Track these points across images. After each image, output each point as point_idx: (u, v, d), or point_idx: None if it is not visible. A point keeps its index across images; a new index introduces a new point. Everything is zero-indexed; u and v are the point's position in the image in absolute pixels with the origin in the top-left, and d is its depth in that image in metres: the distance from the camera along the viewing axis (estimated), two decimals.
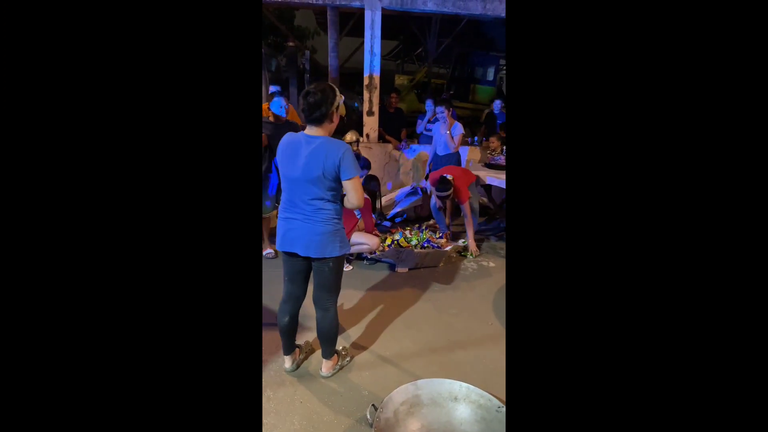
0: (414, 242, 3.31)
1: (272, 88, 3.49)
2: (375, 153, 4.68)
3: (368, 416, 1.66)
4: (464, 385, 1.75)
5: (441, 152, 3.88)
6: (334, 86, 1.69)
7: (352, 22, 7.28)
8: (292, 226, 1.75)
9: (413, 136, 4.99)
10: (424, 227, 3.68)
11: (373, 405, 1.69)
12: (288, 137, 1.74)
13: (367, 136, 4.66)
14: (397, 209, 4.37)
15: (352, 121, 5.13)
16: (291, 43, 6.99)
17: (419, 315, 2.62)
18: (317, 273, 1.84)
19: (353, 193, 1.68)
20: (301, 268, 1.87)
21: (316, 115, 1.64)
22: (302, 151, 1.65)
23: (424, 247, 3.25)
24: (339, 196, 1.75)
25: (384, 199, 4.53)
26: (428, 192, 4.52)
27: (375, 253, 3.21)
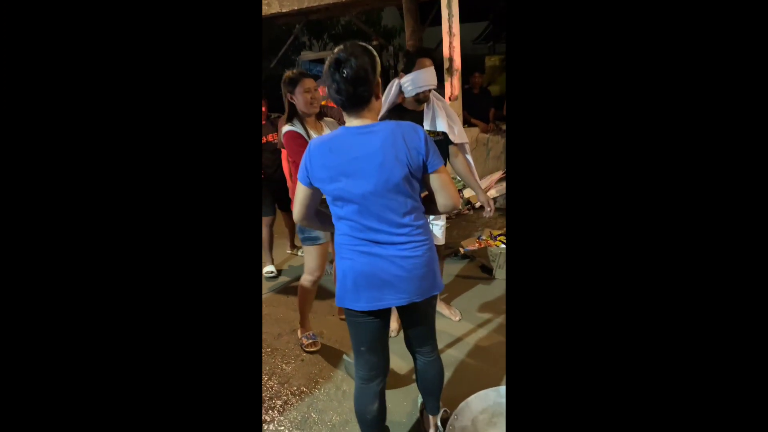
0: None
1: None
2: None
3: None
4: None
5: None
6: (368, 46, 1.15)
7: (434, 10, 7.04)
8: (376, 268, 1.16)
9: (503, 118, 4.57)
10: None
11: (445, 409, 1.51)
12: (321, 142, 1.16)
13: None
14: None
15: None
16: (375, 42, 7.07)
17: None
18: (419, 318, 1.31)
19: (447, 191, 1.16)
20: (385, 323, 1.29)
21: (360, 91, 1.10)
22: (361, 150, 1.11)
23: None
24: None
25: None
26: None
27: (467, 248, 2.90)
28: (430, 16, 7.26)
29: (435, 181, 1.17)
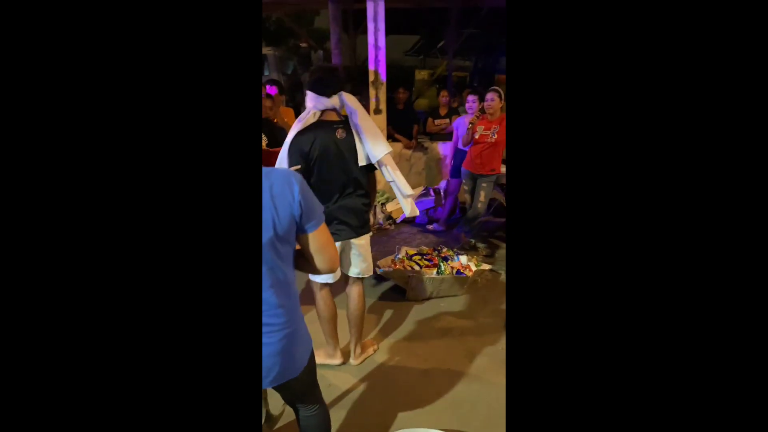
0: (441, 270, 2.76)
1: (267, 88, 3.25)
2: None
3: None
4: None
5: (466, 147, 3.45)
6: None
7: (365, 21, 7.01)
8: (273, 343, 0.97)
9: (427, 134, 4.65)
10: (456, 253, 3.00)
11: None
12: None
13: None
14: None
15: None
16: (303, 44, 6.85)
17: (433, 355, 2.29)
18: (291, 393, 1.16)
19: (326, 253, 0.99)
20: None
21: None
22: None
23: (439, 274, 2.72)
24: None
25: (394, 202, 4.22)
26: (442, 194, 4.18)
27: (381, 269, 2.82)
28: (362, 24, 7.23)
29: (313, 242, 0.97)
